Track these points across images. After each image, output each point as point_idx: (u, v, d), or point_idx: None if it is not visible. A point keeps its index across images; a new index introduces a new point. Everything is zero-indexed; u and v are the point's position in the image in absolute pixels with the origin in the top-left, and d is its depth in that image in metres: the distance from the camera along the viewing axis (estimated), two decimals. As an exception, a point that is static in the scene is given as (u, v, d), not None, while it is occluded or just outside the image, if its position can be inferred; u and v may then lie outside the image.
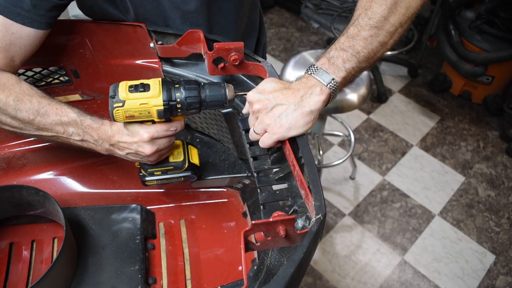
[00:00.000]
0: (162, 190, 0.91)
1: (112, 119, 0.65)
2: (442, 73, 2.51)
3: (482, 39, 2.20)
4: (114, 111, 0.64)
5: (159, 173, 0.77)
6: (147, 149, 0.69)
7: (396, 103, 2.49)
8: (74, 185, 0.89)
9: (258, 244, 0.55)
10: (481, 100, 2.46)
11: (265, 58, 1.10)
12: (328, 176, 2.11)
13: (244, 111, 0.71)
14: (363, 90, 1.57)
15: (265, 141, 0.65)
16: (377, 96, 2.48)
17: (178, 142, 0.80)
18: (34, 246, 0.80)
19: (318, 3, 2.91)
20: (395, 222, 1.94)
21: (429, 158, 2.21)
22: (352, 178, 2.10)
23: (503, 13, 2.15)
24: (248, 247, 0.54)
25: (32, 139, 0.86)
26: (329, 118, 2.24)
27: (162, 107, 0.65)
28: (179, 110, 0.67)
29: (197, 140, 0.93)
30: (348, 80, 0.66)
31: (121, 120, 0.65)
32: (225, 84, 0.69)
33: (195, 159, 0.80)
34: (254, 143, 0.70)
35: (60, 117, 0.70)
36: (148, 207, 0.88)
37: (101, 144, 0.72)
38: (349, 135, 2.01)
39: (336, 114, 1.94)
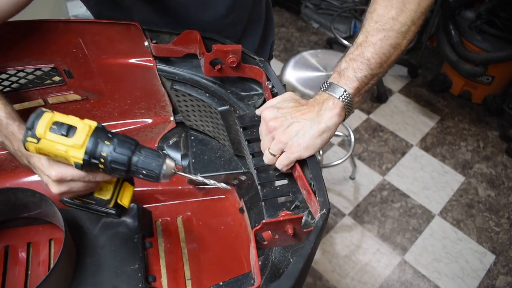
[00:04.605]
0: (158, 188, 0.91)
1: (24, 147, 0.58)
2: (442, 73, 2.51)
3: (482, 39, 2.20)
4: (26, 144, 0.56)
5: (79, 201, 0.68)
6: (53, 189, 0.61)
7: (396, 103, 2.50)
8: (68, 185, 0.89)
9: (266, 242, 0.56)
10: (481, 100, 2.46)
11: (271, 57, 1.10)
12: (328, 176, 2.11)
13: (258, 112, 0.69)
14: (363, 90, 1.56)
15: (284, 162, 0.63)
16: (377, 96, 2.48)
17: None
18: (31, 248, 0.79)
19: (318, 3, 2.91)
20: (395, 222, 1.94)
21: (429, 158, 2.21)
22: (352, 178, 2.10)
23: (503, 13, 2.15)
24: (257, 246, 0.55)
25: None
26: (329, 118, 2.23)
27: (80, 162, 0.56)
28: (100, 169, 0.58)
29: (192, 137, 0.93)
30: (363, 89, 0.63)
31: (33, 152, 0.57)
32: (167, 156, 0.60)
33: (125, 201, 0.69)
34: (252, 140, 0.71)
35: None
36: (144, 206, 0.88)
37: (20, 156, 0.66)
38: (349, 135, 2.01)
39: (336, 114, 1.94)
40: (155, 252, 0.81)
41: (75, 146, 0.55)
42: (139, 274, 0.74)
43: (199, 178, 0.62)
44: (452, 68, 2.29)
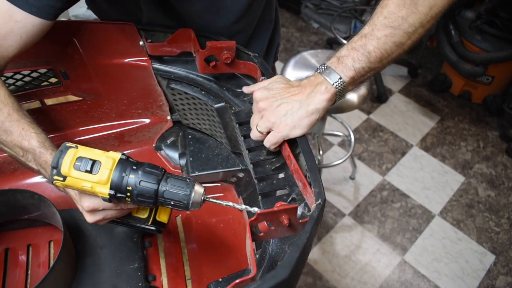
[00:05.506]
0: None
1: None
2: (442, 73, 2.51)
3: (482, 39, 2.20)
4: (53, 182, 0.56)
5: (118, 219, 0.68)
6: (87, 218, 0.63)
7: (396, 103, 2.49)
8: (67, 187, 0.89)
9: (262, 234, 0.56)
10: (481, 100, 2.46)
11: (276, 59, 1.10)
12: (328, 176, 2.11)
13: (246, 90, 0.71)
14: (363, 90, 1.57)
15: (271, 140, 0.65)
16: (377, 96, 2.48)
17: None
18: (30, 250, 0.79)
19: (318, 3, 2.91)
20: (395, 222, 1.94)
21: (429, 158, 2.21)
22: (352, 178, 2.10)
23: (503, 13, 2.15)
24: (252, 237, 0.55)
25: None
26: (329, 118, 2.23)
27: (107, 196, 0.56)
28: (128, 201, 0.58)
29: (189, 136, 0.93)
30: (358, 80, 0.65)
31: (62, 187, 0.58)
32: (195, 183, 0.58)
33: (163, 217, 0.68)
34: (248, 136, 0.71)
35: (21, 140, 0.64)
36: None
37: (55, 185, 0.66)
38: (349, 135, 2.01)
39: (336, 114, 1.94)
40: (155, 251, 0.81)
41: (100, 182, 0.55)
42: (139, 274, 0.74)
43: (229, 204, 0.61)
44: (452, 68, 2.29)
